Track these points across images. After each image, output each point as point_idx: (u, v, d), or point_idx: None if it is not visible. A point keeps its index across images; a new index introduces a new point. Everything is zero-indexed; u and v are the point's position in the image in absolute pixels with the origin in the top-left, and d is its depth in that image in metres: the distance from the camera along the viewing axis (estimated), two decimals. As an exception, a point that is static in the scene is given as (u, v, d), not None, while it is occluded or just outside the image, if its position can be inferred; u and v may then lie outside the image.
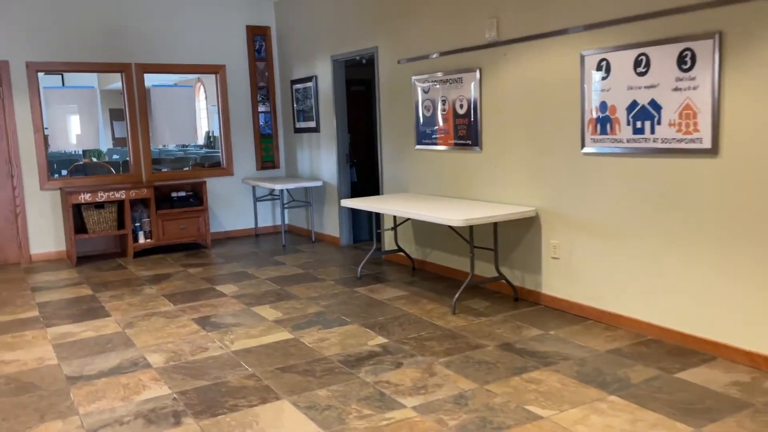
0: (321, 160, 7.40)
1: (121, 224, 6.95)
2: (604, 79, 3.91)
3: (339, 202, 7.12)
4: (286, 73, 7.97)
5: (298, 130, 7.84)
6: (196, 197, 7.35)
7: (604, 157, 3.99)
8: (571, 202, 4.26)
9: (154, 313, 4.79)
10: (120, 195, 6.78)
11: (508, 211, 4.41)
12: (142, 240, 7.00)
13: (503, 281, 4.75)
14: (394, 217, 5.76)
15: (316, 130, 7.41)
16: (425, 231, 5.75)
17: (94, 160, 13.31)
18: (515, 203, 4.71)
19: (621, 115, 3.83)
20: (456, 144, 5.22)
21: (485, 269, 5.07)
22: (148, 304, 5.05)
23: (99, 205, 6.76)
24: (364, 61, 6.72)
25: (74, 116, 7.27)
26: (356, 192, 7.29)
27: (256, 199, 8.09)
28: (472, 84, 4.96)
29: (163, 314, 4.75)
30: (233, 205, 8.04)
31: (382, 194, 6.34)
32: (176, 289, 5.49)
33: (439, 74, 5.30)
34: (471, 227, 4.44)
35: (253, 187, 8.06)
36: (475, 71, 4.92)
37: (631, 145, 3.79)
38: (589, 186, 4.12)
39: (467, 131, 5.09)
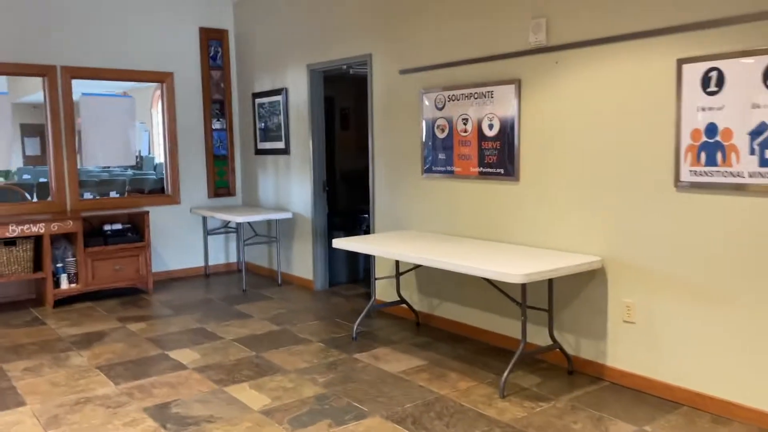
0: (291, 187, 6.22)
1: (38, 265, 5.50)
2: (713, 94, 3.02)
3: (314, 238, 5.96)
4: (247, 85, 6.78)
5: (260, 152, 6.64)
6: (135, 231, 6.00)
7: (710, 194, 3.08)
8: (654, 251, 3.32)
9: (89, 400, 3.46)
10: (38, 229, 5.35)
11: (570, 262, 3.41)
12: (65, 285, 5.57)
13: (557, 350, 3.74)
14: (397, 262, 4.67)
15: (284, 151, 6.24)
16: (432, 277, 4.69)
17: (1, 180, 11.49)
18: (567, 249, 3.74)
19: (740, 141, 2.93)
20: (482, 173, 4.22)
21: (519, 329, 4.06)
22: (77, 383, 3.71)
23: (9, 242, 5.31)
24: (351, 71, 5.65)
25: (-21, 129, 5.80)
26: (332, 226, 6.18)
27: (207, 233, 6.80)
28: (508, 99, 3.99)
29: (101, 401, 3.44)
30: (179, 240, 6.70)
31: (374, 231, 5.24)
32: (115, 357, 4.16)
33: (460, 87, 4.30)
34: (524, 284, 3.41)
35: (204, 218, 6.77)
36: (512, 84, 3.95)
37: (755, 181, 2.90)
38: (684, 231, 3.19)
39: (499, 157, 4.10)
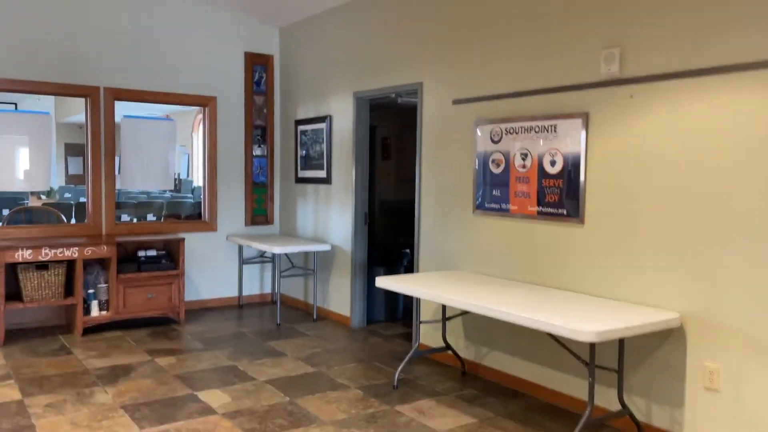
0: (330, 218, 5.97)
1: (69, 290, 5.32)
2: (821, 136, 2.65)
3: (353, 272, 5.67)
4: (290, 112, 6.60)
5: (301, 180, 6.42)
6: (169, 258, 5.80)
7: (815, 250, 2.69)
8: (745, 310, 2.93)
9: (109, 446, 3.20)
10: (71, 253, 5.18)
11: (647, 319, 3.03)
12: (95, 312, 5.37)
13: (626, 416, 3.33)
14: (443, 306, 4.33)
15: (326, 180, 6.01)
16: (482, 324, 4.33)
17: (43, 198, 11.53)
18: (639, 302, 3.36)
19: None
20: (542, 213, 3.88)
21: (583, 389, 3.66)
22: (100, 425, 3.45)
23: (42, 265, 5.15)
24: (399, 100, 5.41)
25: (23, 148, 5.71)
26: (372, 260, 5.89)
27: (243, 262, 6.57)
28: (574, 134, 3.67)
29: (122, 448, 3.17)
30: (214, 268, 6.49)
31: (418, 269, 4.93)
32: (141, 396, 3.90)
33: (520, 119, 4.00)
34: (592, 344, 3.03)
35: (240, 247, 6.55)
36: (579, 118, 3.63)
37: None
38: (781, 290, 2.80)
39: (560, 197, 3.76)
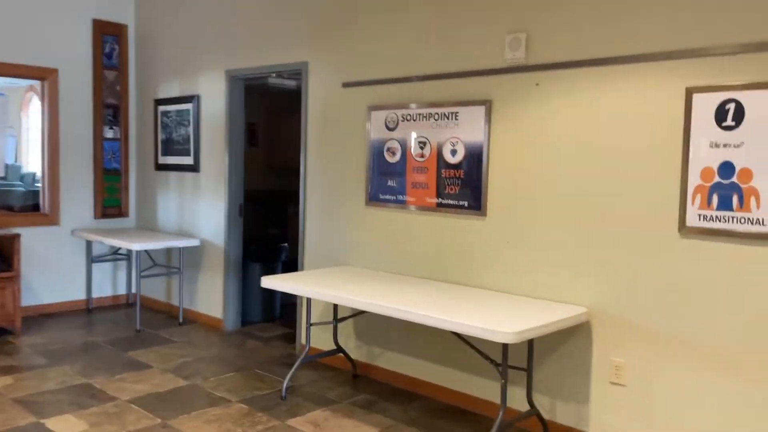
0: (200, 210, 5.37)
1: None
2: (729, 129, 2.67)
3: (226, 270, 5.14)
4: (148, 90, 5.86)
5: (162, 167, 5.73)
6: (1, 257, 4.89)
7: (722, 242, 2.72)
8: (653, 303, 2.91)
9: (-74, 504, 2.49)
10: None
11: (557, 315, 2.93)
12: None
13: (534, 416, 3.22)
14: (335, 305, 3.99)
15: (193, 168, 5.39)
16: (373, 322, 4.06)
17: None
18: (542, 297, 3.27)
19: (763, 184, 2.60)
20: (441, 205, 3.68)
21: (490, 390, 3.53)
22: None
23: None
24: (270, 82, 4.93)
25: None
26: (246, 255, 5.37)
27: (92, 260, 5.75)
28: (475, 122, 3.50)
29: (-55, 506, 2.48)
30: (57, 268, 5.60)
31: (303, 266, 4.54)
32: (-32, 431, 3.15)
33: (419, 106, 3.76)
34: (505, 344, 2.85)
35: (89, 243, 5.72)
36: (482, 105, 3.46)
37: (779, 230, 2.57)
38: (688, 283, 2.81)
39: (462, 188, 3.58)
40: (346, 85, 4.17)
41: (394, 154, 3.91)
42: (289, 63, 4.56)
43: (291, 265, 6.49)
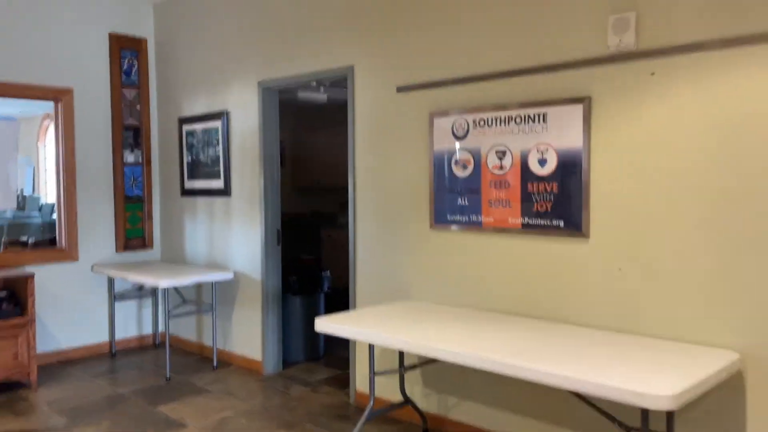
0: (232, 238, 4.80)
1: None
2: None
3: (264, 305, 4.55)
4: (171, 108, 5.34)
5: (189, 192, 5.19)
6: (14, 300, 4.35)
7: None
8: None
9: None
10: None
11: (712, 366, 2.28)
12: None
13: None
14: (401, 351, 3.36)
15: (223, 192, 4.84)
16: (447, 367, 3.43)
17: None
18: (665, 336, 2.62)
19: None
20: (528, 225, 3.06)
21: (593, 448, 2.87)
22: None
23: None
24: (322, 90, 4.37)
25: None
26: (285, 287, 4.79)
27: (114, 298, 5.20)
28: (570, 124, 2.88)
29: None
30: (76, 309, 5.06)
31: (355, 301, 3.93)
32: None
33: (494, 108, 3.16)
34: (645, 410, 2.22)
35: (111, 280, 5.17)
36: (578, 103, 2.85)
37: None
38: None
39: (555, 204, 2.96)
40: (401, 89, 3.59)
41: (464, 166, 3.30)
42: (330, 69, 4.00)
43: (335, 296, 5.92)
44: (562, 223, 2.94)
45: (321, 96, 6.85)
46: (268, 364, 4.57)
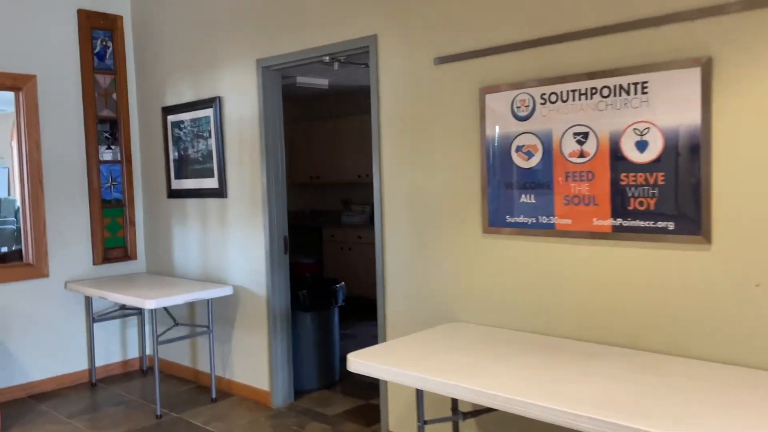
0: (230, 246, 4.08)
1: None
2: None
3: (271, 325, 3.84)
4: (154, 96, 4.59)
5: (177, 194, 4.45)
6: (-31, 329, 3.61)
7: None
8: None
9: None
10: None
11: None
12: None
13: None
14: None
15: (218, 193, 4.11)
16: (515, 418, 2.75)
17: None
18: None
19: None
20: (621, 228, 2.37)
21: None
22: None
23: None
24: (336, 67, 3.62)
25: None
26: (294, 302, 4.08)
27: (93, 318, 4.46)
28: (683, 95, 2.20)
29: None
30: (48, 333, 4.32)
31: (385, 325, 3.23)
32: None
33: (570, 79, 2.47)
34: None
35: (88, 299, 4.43)
36: (693, 67, 2.17)
37: None
38: None
39: (660, 200, 2.28)
40: (441, 60, 2.88)
41: (529, 154, 2.61)
42: (348, 40, 3.28)
43: (350, 308, 5.25)
44: (671, 225, 2.26)
45: (321, 82, 6.14)
46: (278, 394, 3.86)
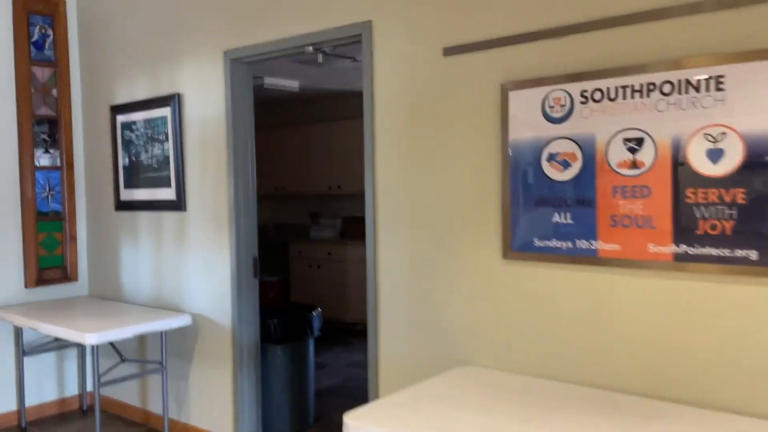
0: (188, 268, 3.49)
1: None
2: None
3: (237, 360, 3.27)
4: (101, 92, 3.98)
5: (126, 206, 3.84)
6: None
7: None
8: None
9: None
10: None
11: None
12: None
13: None
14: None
15: (176, 205, 3.52)
16: (531, 467, 2.26)
17: None
18: None
19: None
20: (687, 257, 1.92)
21: None
22: None
23: None
24: (320, 59, 3.09)
25: None
26: (264, 333, 3.51)
27: (24, 351, 3.79)
28: (769, 93, 1.77)
29: None
30: (-33, 370, 3.64)
31: (378, 366, 2.71)
32: None
33: (618, 73, 2.01)
34: None
35: (18, 330, 3.77)
36: (784, 57, 1.75)
37: None
38: None
39: (739, 222, 1.83)
40: (451, 51, 2.40)
41: (566, 164, 2.14)
42: (335, 27, 2.77)
43: (326, 338, 4.71)
44: (753, 254, 1.82)
45: (292, 84, 5.61)
46: (243, 442, 3.29)
